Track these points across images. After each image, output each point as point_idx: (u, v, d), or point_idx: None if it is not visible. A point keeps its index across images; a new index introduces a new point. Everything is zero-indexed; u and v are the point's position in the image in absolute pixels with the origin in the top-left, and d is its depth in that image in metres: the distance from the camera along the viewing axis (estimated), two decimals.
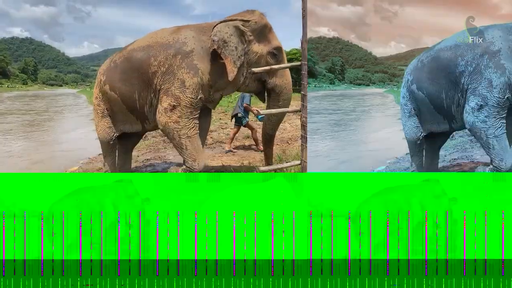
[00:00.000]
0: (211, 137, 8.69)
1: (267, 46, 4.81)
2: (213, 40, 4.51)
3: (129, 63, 4.85)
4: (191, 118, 4.64)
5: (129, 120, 5.08)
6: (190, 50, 4.61)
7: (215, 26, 4.57)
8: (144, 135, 6.81)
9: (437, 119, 4.70)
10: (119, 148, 5.51)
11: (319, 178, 3.08)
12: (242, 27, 4.62)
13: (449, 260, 2.98)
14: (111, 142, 5.24)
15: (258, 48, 4.76)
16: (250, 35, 4.68)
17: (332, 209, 3.03)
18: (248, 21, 4.66)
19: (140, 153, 7.71)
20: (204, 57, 4.61)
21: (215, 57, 4.60)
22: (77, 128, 12.61)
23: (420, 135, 4.92)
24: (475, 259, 2.98)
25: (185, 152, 4.66)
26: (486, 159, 5.61)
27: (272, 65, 4.71)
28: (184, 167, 4.71)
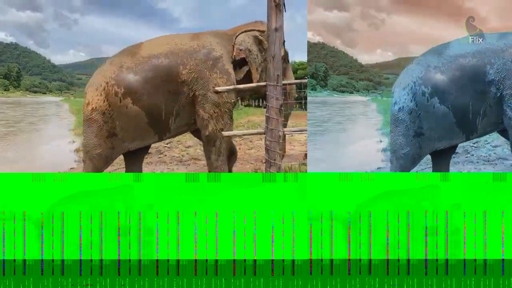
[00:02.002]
0: (187, 153, 8.22)
1: None
2: (240, 50, 4.82)
3: (153, 72, 4.48)
4: (230, 124, 4.77)
5: (143, 135, 4.58)
6: (220, 55, 4.74)
7: (236, 36, 4.87)
8: None
9: (453, 134, 4.26)
10: (129, 163, 5.11)
11: (319, 178, 3.09)
12: (260, 37, 4.98)
13: (449, 260, 3.00)
14: (107, 165, 4.65)
15: None
16: (266, 44, 4.94)
17: (332, 209, 3.04)
18: (263, 31, 4.91)
19: (113, 168, 6.96)
20: (230, 62, 4.82)
21: (236, 64, 4.86)
22: (49, 142, 10.92)
23: (423, 155, 4.43)
24: (475, 259, 3.01)
25: (220, 158, 4.75)
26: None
27: (285, 68, 5.01)
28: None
